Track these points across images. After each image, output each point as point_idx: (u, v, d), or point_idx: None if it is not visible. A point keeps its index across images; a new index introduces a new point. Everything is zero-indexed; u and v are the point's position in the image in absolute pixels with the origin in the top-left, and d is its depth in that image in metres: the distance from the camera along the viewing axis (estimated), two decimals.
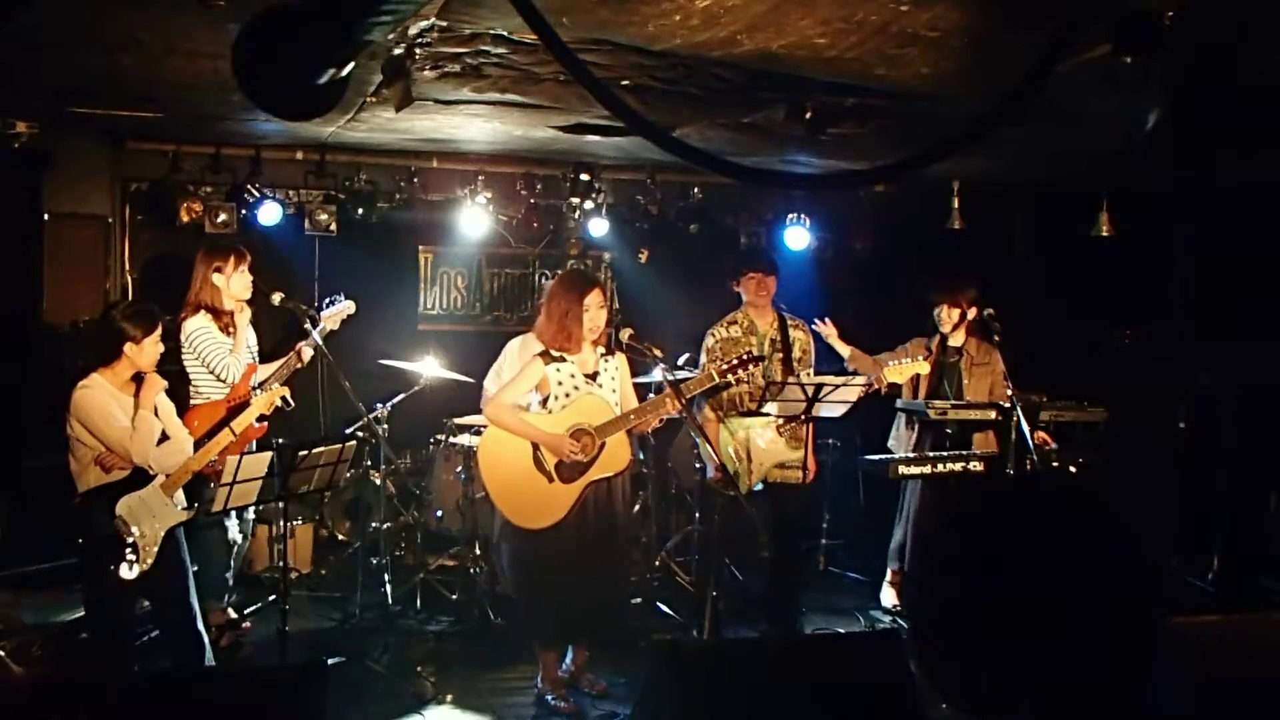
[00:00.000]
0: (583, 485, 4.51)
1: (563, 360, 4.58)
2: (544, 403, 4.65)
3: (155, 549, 4.18)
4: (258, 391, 5.25)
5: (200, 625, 4.36)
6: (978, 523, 1.30)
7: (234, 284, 5.30)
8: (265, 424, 5.02)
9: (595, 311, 4.56)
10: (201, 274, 5.29)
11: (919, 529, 5.93)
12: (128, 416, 4.22)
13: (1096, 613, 1.19)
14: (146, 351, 4.23)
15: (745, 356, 4.78)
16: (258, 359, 5.44)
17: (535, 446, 4.53)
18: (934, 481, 5.63)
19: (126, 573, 4.11)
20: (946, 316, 5.78)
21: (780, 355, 5.37)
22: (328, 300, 5.53)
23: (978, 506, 1.35)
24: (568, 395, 4.56)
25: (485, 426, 5.86)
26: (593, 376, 4.61)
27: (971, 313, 5.76)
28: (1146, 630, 1.21)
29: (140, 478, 4.21)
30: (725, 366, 4.72)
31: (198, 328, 5.21)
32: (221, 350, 5.19)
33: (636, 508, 6.46)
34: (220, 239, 6.03)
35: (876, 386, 5.26)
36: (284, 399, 4.75)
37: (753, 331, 5.35)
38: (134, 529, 4.15)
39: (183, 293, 5.34)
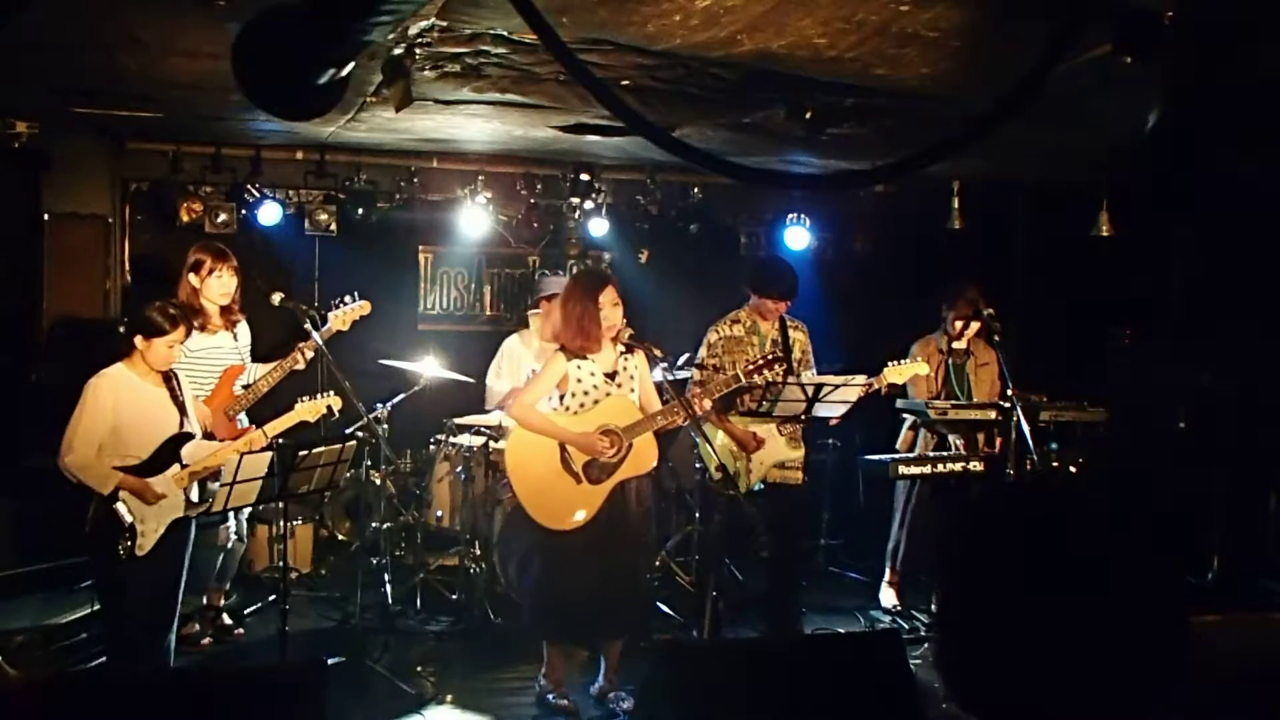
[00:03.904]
0: (611, 485, 4.48)
1: (584, 358, 4.56)
2: (560, 399, 4.60)
3: (154, 538, 4.18)
4: (239, 392, 5.20)
5: (172, 634, 4.38)
6: (1001, 523, 1.28)
7: (210, 286, 5.15)
8: None
9: (610, 309, 4.52)
10: (183, 273, 5.19)
11: (916, 530, 5.93)
12: (139, 408, 4.21)
13: (1124, 617, 1.17)
14: (155, 350, 4.21)
15: (771, 356, 4.72)
16: (249, 360, 5.36)
17: (562, 448, 4.49)
18: (932, 482, 5.63)
19: (121, 553, 4.10)
20: (958, 320, 5.82)
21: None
22: (337, 300, 5.41)
23: (1000, 506, 1.33)
24: (587, 394, 4.53)
25: (485, 426, 5.91)
26: (611, 375, 4.58)
27: (976, 323, 5.81)
28: (1174, 636, 1.20)
29: (152, 465, 4.21)
30: (751, 367, 4.66)
31: None
32: None
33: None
34: (212, 239, 5.92)
35: (877, 387, 5.26)
36: (330, 408, 4.72)
37: (755, 331, 5.34)
38: (135, 513, 4.15)
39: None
